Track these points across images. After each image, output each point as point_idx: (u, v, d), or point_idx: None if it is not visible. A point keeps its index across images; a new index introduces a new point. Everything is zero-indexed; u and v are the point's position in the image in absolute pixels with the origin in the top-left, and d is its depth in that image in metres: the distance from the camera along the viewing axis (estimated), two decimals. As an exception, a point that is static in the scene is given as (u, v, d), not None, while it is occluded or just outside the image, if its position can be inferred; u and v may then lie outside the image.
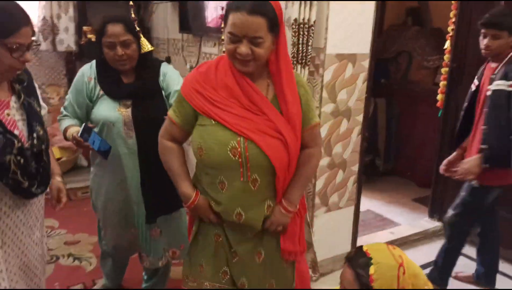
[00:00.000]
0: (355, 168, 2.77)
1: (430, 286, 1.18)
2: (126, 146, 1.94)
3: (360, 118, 2.69)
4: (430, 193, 3.61)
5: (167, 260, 2.15)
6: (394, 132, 4.70)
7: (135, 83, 1.96)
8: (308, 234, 2.57)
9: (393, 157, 4.74)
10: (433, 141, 3.59)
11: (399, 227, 3.49)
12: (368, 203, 3.96)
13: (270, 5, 1.33)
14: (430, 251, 3.22)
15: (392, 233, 3.37)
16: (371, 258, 1.14)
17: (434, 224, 3.52)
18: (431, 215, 3.61)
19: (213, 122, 1.39)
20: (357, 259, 1.17)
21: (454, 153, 2.60)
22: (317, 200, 2.64)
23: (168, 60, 4.39)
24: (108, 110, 1.92)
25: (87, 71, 1.98)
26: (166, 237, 2.10)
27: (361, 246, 1.21)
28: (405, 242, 3.31)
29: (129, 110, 1.92)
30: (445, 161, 2.63)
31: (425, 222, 3.56)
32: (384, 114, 4.65)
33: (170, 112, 1.53)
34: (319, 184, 2.62)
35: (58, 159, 4.23)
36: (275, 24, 1.34)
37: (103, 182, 2.05)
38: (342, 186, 2.74)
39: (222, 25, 1.45)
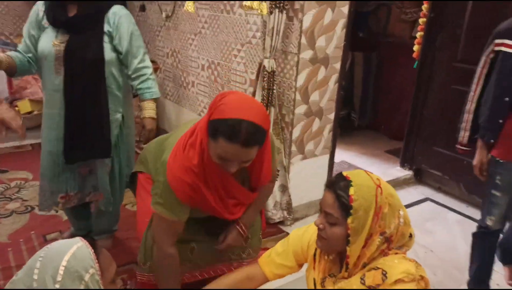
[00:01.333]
0: (331, 116, 2.79)
1: (404, 209, 1.23)
2: (55, 82, 1.95)
3: (337, 66, 2.68)
4: (403, 143, 3.71)
5: (96, 199, 2.21)
6: (370, 87, 4.74)
7: (74, 16, 1.95)
8: (284, 178, 2.62)
9: (368, 113, 4.81)
10: (409, 95, 3.65)
11: (372, 177, 3.59)
12: (343, 155, 4.04)
13: (262, 130, 1.32)
14: (402, 197, 3.35)
15: (365, 182, 3.47)
16: (350, 181, 1.17)
17: (405, 173, 3.64)
18: (403, 165, 3.73)
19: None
20: (338, 183, 1.20)
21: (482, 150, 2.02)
22: (293, 148, 2.67)
23: (143, 8, 4.21)
24: (45, 42, 1.94)
25: (41, 5, 2.00)
26: (94, 178, 2.14)
27: (340, 173, 1.24)
28: (377, 190, 3.42)
29: (63, 45, 1.92)
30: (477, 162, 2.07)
31: (396, 171, 3.68)
32: (361, 69, 4.66)
33: (170, 215, 1.47)
34: (296, 132, 2.64)
35: (29, 113, 4.10)
36: (264, 141, 1.36)
37: (44, 123, 2.09)
38: (318, 134, 2.77)
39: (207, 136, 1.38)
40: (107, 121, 2.03)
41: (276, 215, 2.71)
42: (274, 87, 2.50)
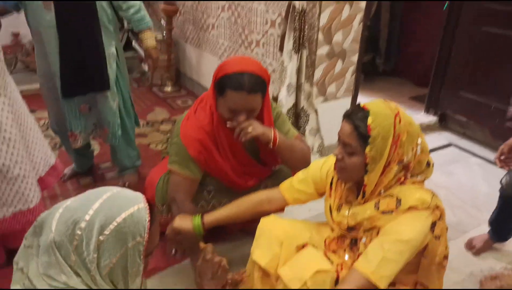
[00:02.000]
0: (355, 58, 2.73)
1: (422, 136, 1.23)
2: (46, 18, 1.91)
3: (362, 4, 2.57)
4: (429, 87, 3.61)
5: (99, 135, 2.28)
6: (397, 30, 4.55)
7: None
8: (315, 121, 2.62)
9: (394, 57, 4.66)
10: (436, 40, 3.50)
11: (394, 122, 3.55)
12: (365, 100, 3.96)
13: (262, 80, 1.48)
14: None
15: (387, 126, 3.44)
16: (368, 111, 1.17)
17: (430, 118, 3.58)
18: (427, 110, 3.65)
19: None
20: (355, 113, 1.20)
21: None
22: (314, 90, 2.64)
23: None
24: None
25: None
26: (95, 114, 2.18)
27: (358, 103, 1.23)
28: (399, 135, 3.40)
29: None
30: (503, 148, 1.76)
31: (421, 117, 3.61)
32: (388, 12, 4.46)
33: (185, 171, 1.61)
34: (317, 73, 2.60)
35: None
36: (266, 91, 1.52)
37: (38, 62, 2.11)
38: (340, 76, 2.72)
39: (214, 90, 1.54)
40: (103, 54, 2.04)
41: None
42: (306, 28, 2.42)
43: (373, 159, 1.17)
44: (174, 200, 1.65)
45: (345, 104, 2.86)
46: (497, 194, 2.60)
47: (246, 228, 2.00)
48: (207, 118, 1.59)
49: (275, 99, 2.56)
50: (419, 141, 1.21)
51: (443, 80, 3.47)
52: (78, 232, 0.83)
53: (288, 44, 2.48)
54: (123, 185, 2.43)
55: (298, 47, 2.46)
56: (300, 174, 1.49)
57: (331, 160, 1.44)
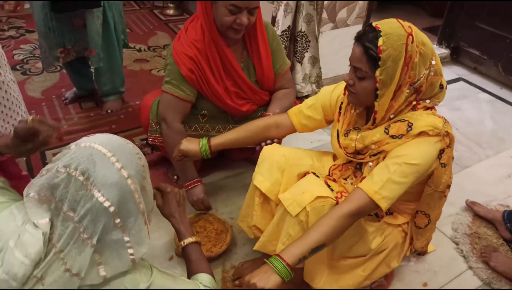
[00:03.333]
0: (369, -19, 2.55)
1: (437, 56, 1.17)
2: None
3: None
4: (443, 20, 3.43)
5: (90, 53, 2.16)
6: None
7: None
8: (315, 49, 2.52)
9: (410, -17, 4.39)
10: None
11: (404, 53, 3.42)
12: (377, 30, 3.80)
13: None
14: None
15: (397, 58, 3.32)
16: (380, 31, 1.10)
17: (441, 51, 3.44)
18: (440, 42, 3.50)
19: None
20: (366, 34, 1.13)
21: None
22: (324, 15, 2.50)
23: None
24: None
25: None
26: (89, 32, 2.07)
27: (370, 23, 1.16)
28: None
29: None
30: None
31: (432, 49, 3.48)
32: None
33: (176, 91, 1.58)
34: (328, -4, 2.44)
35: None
36: None
37: None
38: (352, 0, 2.56)
39: None
40: None
41: (304, 88, 2.64)
42: None
43: (383, 82, 1.12)
44: (164, 119, 1.63)
45: (356, 32, 2.72)
46: (503, 131, 2.58)
47: (249, 157, 2.00)
48: (198, 35, 1.56)
49: (274, 18, 2.43)
50: (433, 62, 1.15)
51: (459, 11, 3.28)
52: None
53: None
54: (105, 113, 2.40)
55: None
56: (309, 100, 1.46)
57: (341, 85, 1.39)
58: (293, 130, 1.50)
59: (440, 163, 1.22)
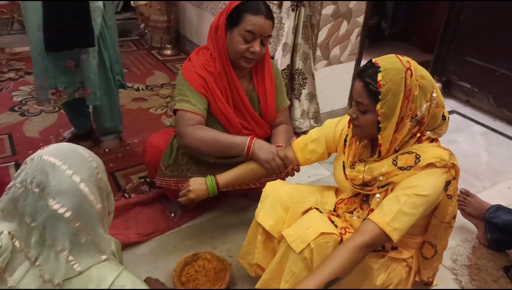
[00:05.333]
0: (360, 19, 2.64)
1: (437, 88, 1.20)
2: None
3: (370, -38, 2.47)
4: (434, 53, 3.53)
5: (84, 95, 2.17)
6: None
7: None
8: (311, 86, 2.57)
9: (400, 21, 4.53)
10: (445, 4, 3.38)
11: (398, 88, 3.49)
12: (369, 66, 3.90)
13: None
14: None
15: (391, 93, 3.38)
16: (379, 66, 1.14)
17: (433, 85, 3.52)
18: (432, 76, 3.56)
19: (214, 119, 1.64)
20: (366, 70, 1.17)
21: None
22: (318, 52, 2.58)
23: None
24: None
25: None
26: (81, 71, 2.09)
27: (370, 59, 1.20)
28: (402, 102, 3.35)
29: None
30: None
31: (424, 84, 3.55)
32: (395, -26, 4.31)
33: (188, 106, 1.56)
34: (321, 35, 2.53)
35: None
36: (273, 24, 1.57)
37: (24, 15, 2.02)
38: (345, 38, 2.65)
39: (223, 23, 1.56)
40: (87, 7, 1.95)
41: (303, 124, 2.68)
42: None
43: (385, 115, 1.15)
44: (184, 134, 1.55)
45: (349, 68, 2.80)
46: (499, 163, 2.60)
47: (248, 193, 2.00)
48: (210, 61, 1.60)
49: (272, 58, 2.50)
50: (434, 94, 1.18)
51: (449, 46, 3.39)
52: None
53: (286, 2, 2.39)
54: (103, 151, 2.39)
55: (296, 4, 2.37)
56: (313, 134, 1.48)
57: (345, 119, 1.42)
58: (297, 164, 1.50)
59: (447, 195, 1.22)
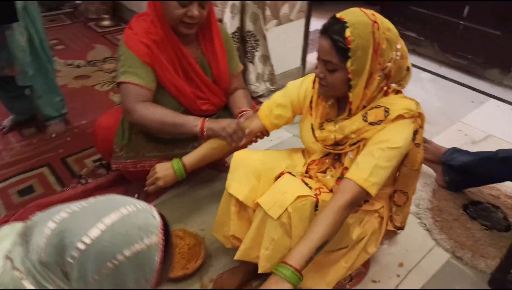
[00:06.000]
0: (307, -26, 2.57)
1: (401, 40, 1.18)
2: None
3: None
4: (379, 5, 3.54)
5: (12, 73, 1.98)
6: None
7: None
8: (264, 48, 2.50)
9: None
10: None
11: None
12: (317, 24, 3.85)
13: None
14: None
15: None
16: (345, 22, 1.09)
17: (381, 37, 3.56)
18: (378, 29, 3.61)
19: (163, 92, 1.54)
20: (332, 26, 1.12)
21: None
22: (268, 12, 2.49)
23: None
24: None
25: None
26: (11, 48, 1.90)
27: (334, 15, 1.14)
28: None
29: None
30: None
31: (372, 36, 3.58)
32: None
33: (136, 79, 1.45)
34: (270, -7, 2.44)
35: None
36: None
37: None
38: (293, -5, 2.58)
39: None
40: None
41: (259, 87, 2.61)
42: None
43: (355, 73, 1.11)
44: (132, 111, 1.45)
45: (299, 26, 2.75)
46: (449, 107, 2.71)
47: (215, 164, 1.94)
48: (152, 28, 1.47)
49: (220, 21, 2.39)
50: (398, 46, 1.16)
51: (393, -4, 3.42)
52: (70, 260, 0.65)
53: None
54: (49, 137, 2.23)
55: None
56: (277, 98, 1.42)
57: (308, 79, 1.38)
58: (263, 131, 1.46)
59: (415, 144, 1.24)
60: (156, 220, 0.73)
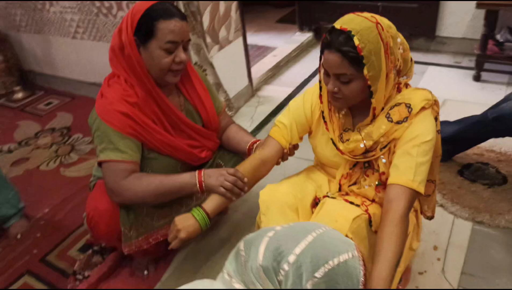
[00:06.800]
0: (234, -7, 2.53)
1: (400, 35, 1.16)
2: None
3: None
4: (296, 6, 3.62)
5: None
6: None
7: None
8: (214, 76, 2.41)
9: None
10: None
11: (278, 49, 3.54)
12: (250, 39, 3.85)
13: None
14: (311, 60, 3.41)
15: (275, 55, 3.41)
16: (350, 31, 1.05)
17: (306, 36, 3.64)
18: (301, 28, 3.70)
19: (156, 154, 1.40)
20: (336, 39, 1.07)
21: None
22: (208, 39, 2.40)
23: None
24: None
25: None
26: None
27: (332, 26, 1.10)
28: (288, 60, 3.41)
29: None
30: None
31: (298, 37, 3.66)
32: None
33: (117, 155, 1.29)
34: (205, 21, 2.35)
35: None
36: None
37: None
38: (227, 16, 2.51)
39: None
40: None
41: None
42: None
43: (374, 78, 1.08)
44: (117, 191, 1.30)
45: (238, 45, 2.70)
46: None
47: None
48: (128, 90, 1.32)
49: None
50: (399, 40, 1.15)
51: (307, -5, 3.51)
52: (285, 266, 0.75)
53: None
54: (16, 240, 1.90)
55: (171, -4, 2.15)
56: (283, 120, 1.34)
57: (309, 95, 1.32)
58: (282, 152, 1.36)
59: (437, 131, 1.23)
60: (348, 239, 0.84)
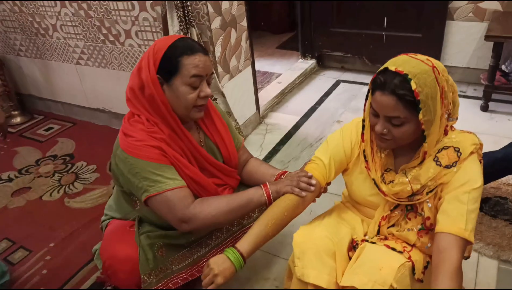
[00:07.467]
0: (244, 23, 2.53)
1: (449, 76, 1.15)
2: None
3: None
4: (299, 32, 3.64)
5: None
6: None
7: None
8: (225, 104, 2.38)
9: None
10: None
11: (282, 76, 3.53)
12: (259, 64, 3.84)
13: None
14: (318, 86, 3.40)
15: (280, 82, 3.40)
16: (407, 74, 1.03)
17: (309, 63, 3.66)
18: (304, 56, 3.72)
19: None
20: (391, 81, 1.04)
21: None
22: (220, 69, 2.38)
23: None
24: None
25: None
26: None
27: (386, 68, 1.07)
28: (293, 87, 3.41)
29: None
30: None
31: (301, 64, 3.67)
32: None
33: (167, 183, 1.24)
34: (217, 50, 2.33)
35: None
36: None
37: None
38: (237, 46, 2.50)
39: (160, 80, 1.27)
40: None
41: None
42: (189, 2, 2.09)
43: (428, 122, 1.06)
44: (190, 218, 1.24)
45: (248, 74, 2.68)
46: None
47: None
48: (151, 127, 1.28)
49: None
50: (450, 81, 1.13)
51: (310, 24, 3.53)
52: None
53: (173, 25, 2.13)
54: None
55: (185, 26, 2.13)
56: (322, 157, 1.30)
57: (348, 131, 1.29)
58: (319, 192, 1.32)
59: None
60: None
